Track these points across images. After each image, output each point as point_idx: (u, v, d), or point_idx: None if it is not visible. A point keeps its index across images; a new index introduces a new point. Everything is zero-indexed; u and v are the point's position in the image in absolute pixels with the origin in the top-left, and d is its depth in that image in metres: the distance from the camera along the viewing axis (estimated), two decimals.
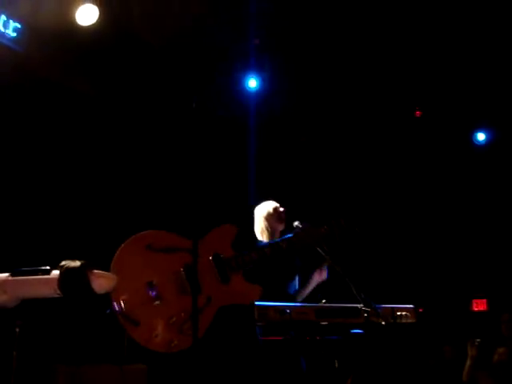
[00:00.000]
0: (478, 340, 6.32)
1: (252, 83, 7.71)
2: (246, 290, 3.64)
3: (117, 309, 2.84)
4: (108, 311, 2.92)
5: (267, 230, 4.82)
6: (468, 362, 6.22)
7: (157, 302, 3.04)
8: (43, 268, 2.68)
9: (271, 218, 4.84)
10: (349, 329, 3.96)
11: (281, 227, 4.83)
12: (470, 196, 8.85)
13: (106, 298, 2.97)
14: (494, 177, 8.61)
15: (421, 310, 8.81)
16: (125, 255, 3.08)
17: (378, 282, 6.92)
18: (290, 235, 4.19)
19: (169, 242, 3.31)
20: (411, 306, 4.58)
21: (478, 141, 8.71)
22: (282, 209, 4.87)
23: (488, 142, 8.79)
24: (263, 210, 4.94)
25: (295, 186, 8.04)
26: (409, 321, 4.59)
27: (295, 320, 3.66)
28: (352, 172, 8.57)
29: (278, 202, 4.96)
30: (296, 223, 4.34)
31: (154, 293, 3.04)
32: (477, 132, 8.61)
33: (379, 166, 8.59)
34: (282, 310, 3.63)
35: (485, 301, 8.93)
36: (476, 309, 8.93)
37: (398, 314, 4.50)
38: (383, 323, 3.94)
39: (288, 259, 4.54)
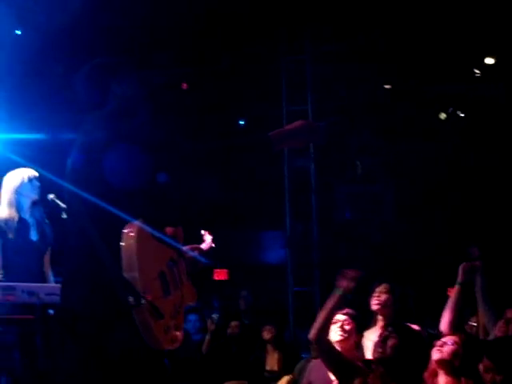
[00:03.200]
0: (216, 316, 6.99)
1: None
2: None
3: (146, 300, 2.43)
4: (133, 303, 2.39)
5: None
6: (208, 336, 6.84)
7: (167, 295, 2.67)
8: None
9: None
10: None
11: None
12: None
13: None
14: None
15: None
16: (143, 239, 2.57)
17: None
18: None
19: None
20: None
21: None
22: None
23: None
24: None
25: None
26: None
27: None
28: None
29: None
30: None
31: (166, 284, 2.67)
32: None
33: None
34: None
35: (225, 271, 9.66)
36: (217, 278, 9.60)
37: None
38: None
39: None
